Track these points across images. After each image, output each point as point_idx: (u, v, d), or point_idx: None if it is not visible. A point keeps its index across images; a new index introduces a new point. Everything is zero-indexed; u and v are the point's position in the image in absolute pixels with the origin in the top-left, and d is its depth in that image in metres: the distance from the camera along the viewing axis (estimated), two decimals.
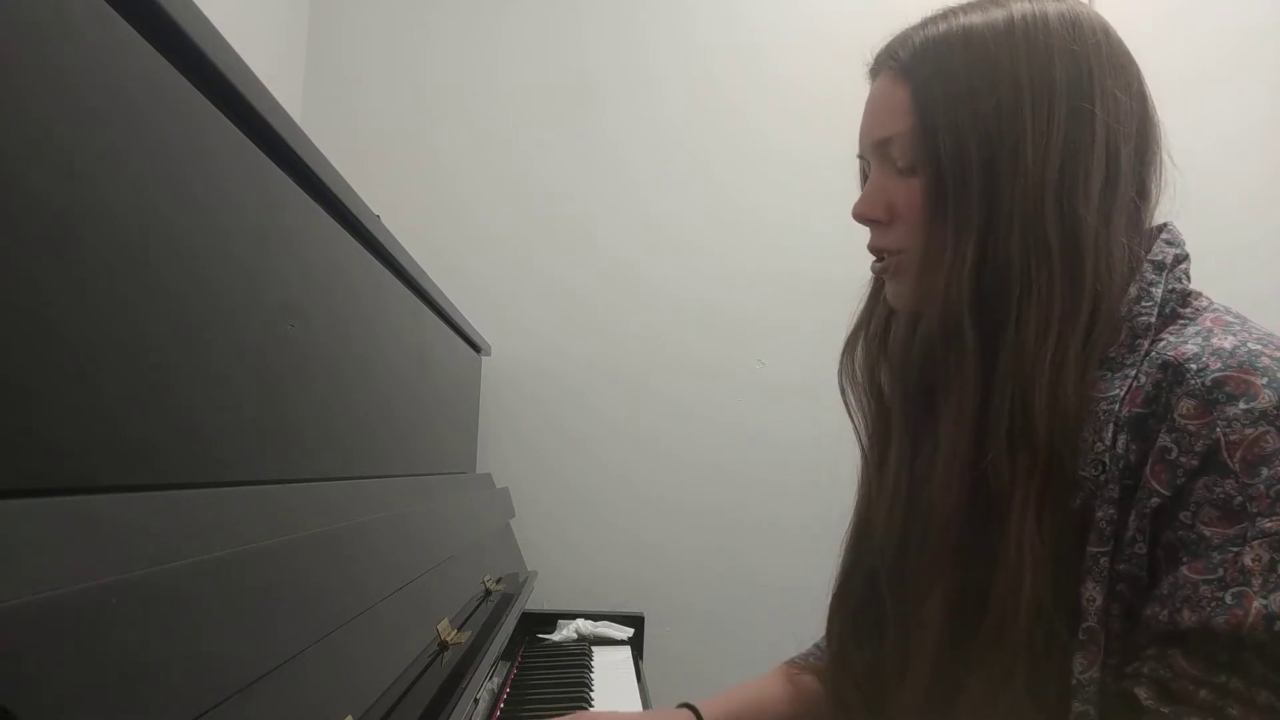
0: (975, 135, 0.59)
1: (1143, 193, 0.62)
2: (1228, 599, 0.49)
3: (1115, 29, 0.63)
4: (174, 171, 0.48)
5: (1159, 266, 0.60)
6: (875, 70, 0.67)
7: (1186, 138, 0.65)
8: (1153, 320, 0.58)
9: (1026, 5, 0.61)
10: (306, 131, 0.66)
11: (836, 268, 0.83)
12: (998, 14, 0.61)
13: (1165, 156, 0.64)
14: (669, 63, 1.85)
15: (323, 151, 0.68)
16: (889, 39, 0.66)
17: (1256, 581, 0.48)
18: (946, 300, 0.61)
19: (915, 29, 0.64)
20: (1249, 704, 0.48)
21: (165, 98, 0.48)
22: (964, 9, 0.63)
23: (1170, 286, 0.60)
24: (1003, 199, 0.59)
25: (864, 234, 0.69)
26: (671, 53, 1.85)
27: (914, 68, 0.63)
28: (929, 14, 0.64)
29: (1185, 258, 0.62)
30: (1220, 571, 0.49)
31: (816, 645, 0.87)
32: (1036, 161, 0.58)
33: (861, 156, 0.69)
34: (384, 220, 0.88)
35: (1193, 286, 0.62)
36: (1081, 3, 0.64)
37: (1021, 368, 0.58)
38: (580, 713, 0.79)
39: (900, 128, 0.62)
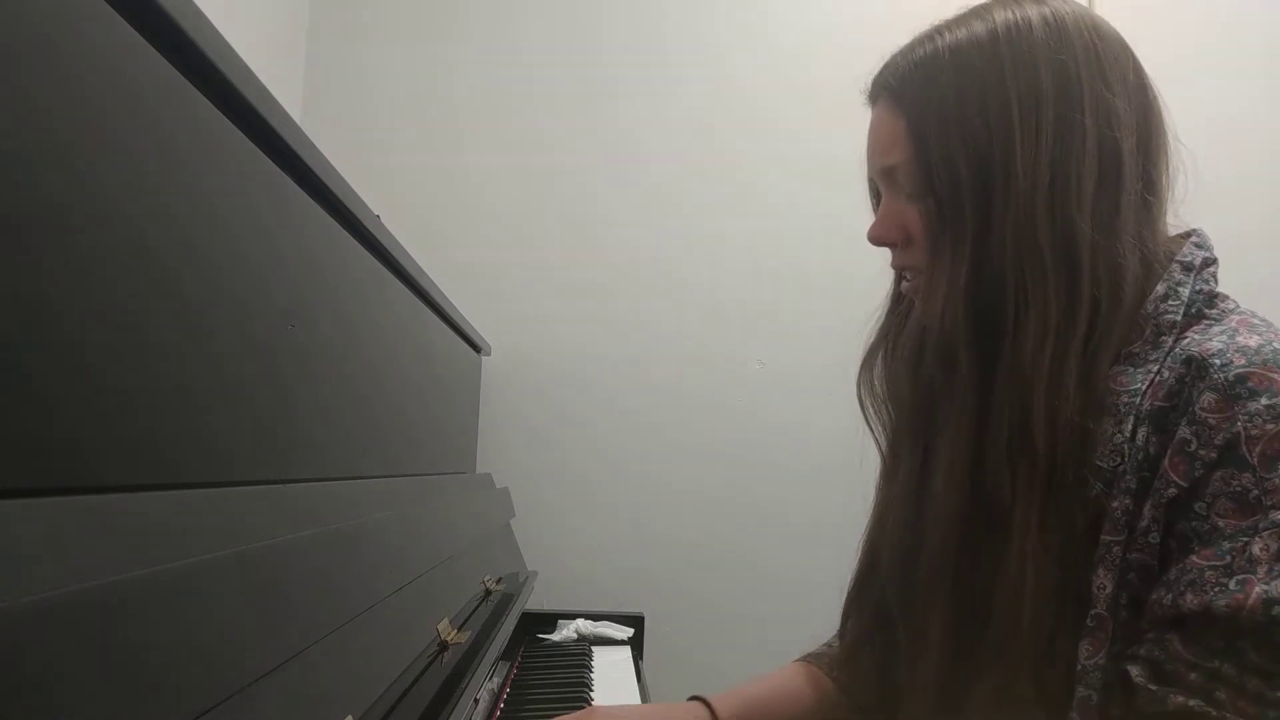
0: (967, 156, 0.60)
1: (1149, 185, 0.62)
2: (1231, 585, 0.49)
3: (1107, 21, 0.63)
4: (174, 171, 0.48)
5: (1187, 268, 0.61)
6: (873, 97, 0.68)
7: (1178, 124, 0.65)
8: (1178, 319, 0.59)
9: (1008, 13, 0.62)
10: (306, 131, 0.66)
11: (848, 261, 0.83)
12: (980, 27, 0.62)
13: (1172, 141, 0.64)
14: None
15: (322, 151, 0.69)
16: (881, 65, 0.67)
17: (1262, 569, 0.49)
18: (943, 317, 0.62)
19: (903, 53, 0.65)
20: (1238, 689, 0.49)
21: (165, 98, 0.48)
22: (948, 26, 0.64)
23: (1198, 287, 0.60)
24: (995, 214, 0.59)
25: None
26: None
27: (906, 95, 0.64)
28: (916, 36, 0.65)
29: (1213, 261, 0.62)
30: (1228, 559, 0.50)
31: (828, 644, 0.87)
32: (1027, 173, 0.59)
33: (871, 180, 0.71)
34: (383, 220, 0.88)
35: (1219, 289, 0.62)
36: (1068, 1, 0.63)
37: (1020, 380, 0.58)
38: (589, 709, 0.79)
39: (901, 157, 0.64)
